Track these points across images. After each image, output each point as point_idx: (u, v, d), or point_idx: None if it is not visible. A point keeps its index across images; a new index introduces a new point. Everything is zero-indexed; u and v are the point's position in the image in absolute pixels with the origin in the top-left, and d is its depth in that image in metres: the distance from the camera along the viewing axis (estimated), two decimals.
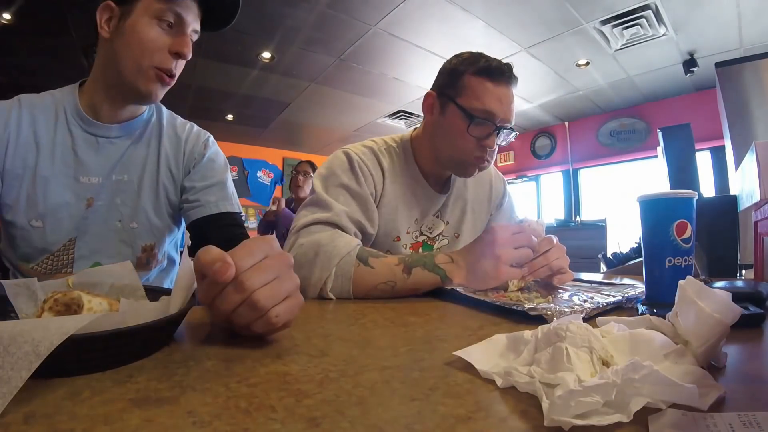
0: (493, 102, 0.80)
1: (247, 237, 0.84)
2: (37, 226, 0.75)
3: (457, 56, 0.87)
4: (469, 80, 0.82)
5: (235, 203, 0.86)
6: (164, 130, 0.85)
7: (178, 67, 0.74)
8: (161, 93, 0.76)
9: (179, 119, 0.90)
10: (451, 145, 0.85)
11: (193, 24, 0.75)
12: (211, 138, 0.91)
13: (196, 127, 0.91)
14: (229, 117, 4.91)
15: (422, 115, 0.92)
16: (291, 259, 0.40)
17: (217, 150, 0.90)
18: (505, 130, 0.84)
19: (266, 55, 3.40)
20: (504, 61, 0.84)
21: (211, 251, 0.36)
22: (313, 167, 2.77)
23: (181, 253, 0.79)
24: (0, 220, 0.76)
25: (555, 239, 0.72)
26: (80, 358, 0.29)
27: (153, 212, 0.83)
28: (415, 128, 0.97)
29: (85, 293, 0.36)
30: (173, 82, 0.76)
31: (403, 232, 0.90)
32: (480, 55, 0.84)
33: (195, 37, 0.77)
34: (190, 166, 0.86)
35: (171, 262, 0.93)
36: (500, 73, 0.81)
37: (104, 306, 0.36)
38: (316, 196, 0.79)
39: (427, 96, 0.89)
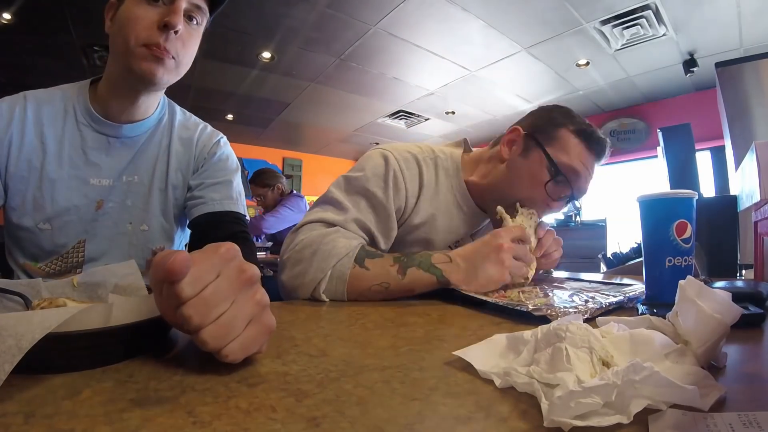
0: (581, 166, 0.78)
1: (249, 238, 0.82)
2: (45, 229, 0.73)
3: (556, 106, 0.85)
4: (566, 135, 0.78)
5: (241, 205, 0.83)
6: (175, 131, 0.83)
7: (171, 41, 0.68)
8: (162, 72, 0.68)
9: (193, 118, 0.88)
10: (520, 190, 0.79)
11: None
12: (224, 139, 0.88)
13: (209, 128, 0.88)
14: (229, 117, 4.91)
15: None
16: (252, 274, 0.32)
17: (229, 152, 0.87)
18: (575, 203, 0.82)
19: (266, 55, 3.40)
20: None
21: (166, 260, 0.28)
22: (256, 182, 2.75)
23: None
24: (6, 221, 0.75)
25: (554, 232, 0.81)
26: (66, 354, 0.29)
27: (162, 214, 0.81)
28: (465, 149, 0.91)
29: (71, 300, 0.37)
30: (170, 59, 0.69)
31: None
32: (579, 116, 0.81)
33: (200, 17, 0.72)
34: (199, 165, 0.83)
35: None
36: (600, 147, 0.80)
37: None
38: (332, 195, 0.74)
39: (513, 130, 0.83)
